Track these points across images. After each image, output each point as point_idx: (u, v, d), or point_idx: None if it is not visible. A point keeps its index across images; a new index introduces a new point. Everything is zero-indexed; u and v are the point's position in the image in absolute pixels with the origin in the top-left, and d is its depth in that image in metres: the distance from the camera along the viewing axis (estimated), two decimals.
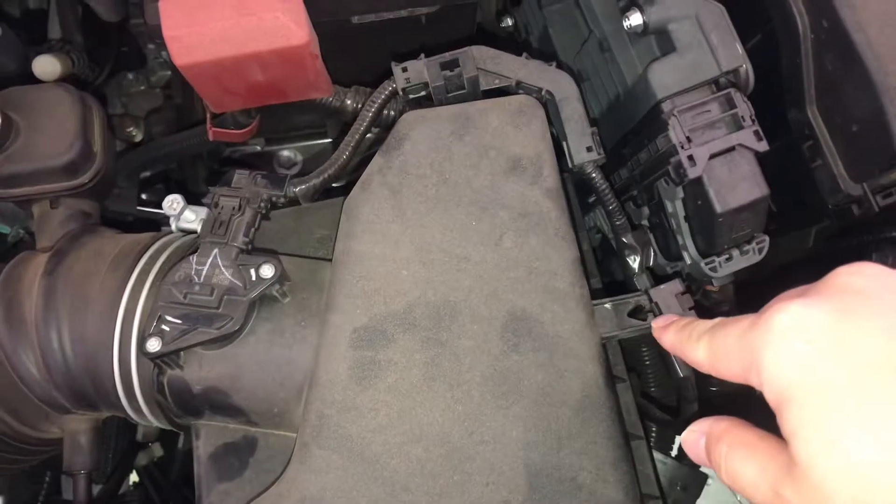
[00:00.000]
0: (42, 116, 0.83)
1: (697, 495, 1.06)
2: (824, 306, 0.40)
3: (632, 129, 0.83)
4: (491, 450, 0.66)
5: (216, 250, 0.71)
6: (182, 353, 0.69)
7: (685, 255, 0.81)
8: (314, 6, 0.76)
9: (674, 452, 1.11)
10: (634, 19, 0.75)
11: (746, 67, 0.74)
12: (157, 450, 1.25)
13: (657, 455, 1.04)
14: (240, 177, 0.76)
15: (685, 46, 0.74)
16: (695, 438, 0.46)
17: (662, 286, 0.73)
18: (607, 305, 0.73)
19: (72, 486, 0.85)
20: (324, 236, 0.79)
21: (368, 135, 0.84)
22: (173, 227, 0.82)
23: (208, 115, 0.89)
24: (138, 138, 1.21)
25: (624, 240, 0.87)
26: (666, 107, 0.74)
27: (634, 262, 0.87)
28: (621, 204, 0.84)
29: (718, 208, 0.72)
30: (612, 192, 0.82)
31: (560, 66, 0.80)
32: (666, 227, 0.84)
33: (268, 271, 0.69)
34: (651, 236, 0.90)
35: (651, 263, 0.90)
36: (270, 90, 0.82)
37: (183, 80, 0.78)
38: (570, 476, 0.66)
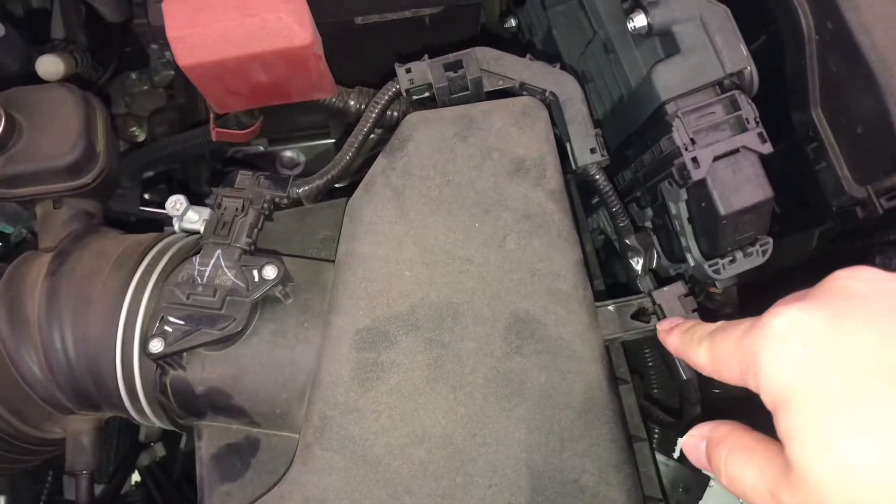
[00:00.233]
0: (45, 116, 0.83)
1: (700, 497, 1.06)
2: (820, 311, 0.40)
3: (636, 131, 0.83)
4: (493, 452, 0.66)
5: (219, 251, 0.71)
6: (185, 353, 0.69)
7: (689, 256, 0.81)
8: (318, 7, 0.76)
9: (676, 454, 1.11)
10: (638, 21, 0.74)
11: (751, 69, 0.74)
12: (160, 450, 1.25)
13: (659, 456, 1.04)
14: (243, 178, 0.76)
15: (689, 48, 0.73)
16: (695, 443, 0.46)
17: (666, 288, 0.72)
18: (610, 307, 0.73)
19: (74, 485, 0.85)
20: (327, 237, 0.79)
21: (372, 135, 0.84)
22: (176, 227, 0.82)
23: (211, 116, 0.89)
24: (141, 138, 1.21)
25: (627, 241, 0.87)
26: (670, 108, 0.74)
27: (637, 264, 0.87)
28: (625, 205, 0.84)
29: (722, 210, 0.72)
30: (616, 194, 0.81)
31: (564, 67, 0.80)
32: (669, 228, 0.84)
33: (271, 272, 0.69)
34: (654, 238, 0.90)
35: (654, 265, 0.90)
36: (274, 91, 0.82)
37: (186, 79, 0.78)
38: (572, 478, 0.66)
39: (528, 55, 0.80)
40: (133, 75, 1.23)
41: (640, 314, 0.73)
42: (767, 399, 0.40)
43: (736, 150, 0.72)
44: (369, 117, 0.81)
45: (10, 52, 1.04)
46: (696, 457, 0.46)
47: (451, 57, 0.78)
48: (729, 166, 0.72)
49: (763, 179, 0.72)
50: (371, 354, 0.69)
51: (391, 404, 0.67)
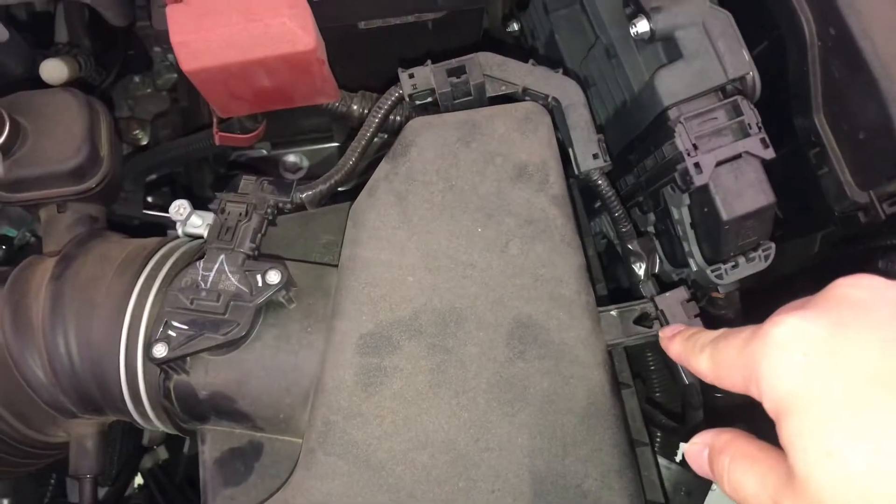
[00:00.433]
0: (49, 121, 0.84)
1: (702, 501, 1.06)
2: (822, 319, 0.40)
3: (638, 136, 0.83)
4: (496, 457, 0.66)
5: (223, 256, 0.71)
6: (188, 358, 0.70)
7: (691, 262, 0.81)
8: (321, 12, 0.76)
9: (678, 458, 1.11)
10: (641, 26, 0.74)
11: (753, 75, 0.74)
12: (163, 452, 1.26)
13: (661, 460, 1.04)
14: (246, 182, 0.77)
15: (692, 53, 0.73)
16: (698, 450, 0.46)
17: (668, 293, 0.73)
18: (613, 312, 0.73)
19: (77, 489, 0.86)
20: (330, 242, 0.79)
21: (375, 139, 0.84)
22: (179, 232, 0.82)
23: (214, 120, 0.89)
24: (144, 141, 1.21)
25: (630, 246, 0.87)
26: (672, 114, 0.74)
27: (640, 269, 0.87)
28: (627, 210, 0.84)
29: (724, 216, 0.72)
30: (618, 199, 0.82)
31: (566, 72, 0.80)
32: (672, 233, 0.84)
33: (274, 277, 0.69)
34: (657, 243, 0.90)
35: (657, 270, 0.90)
36: (277, 95, 0.82)
37: (189, 83, 0.79)
38: (575, 483, 0.66)
39: (531, 60, 0.80)
40: (136, 79, 1.23)
41: (642, 319, 0.73)
42: (769, 407, 0.40)
43: (738, 156, 0.72)
44: (372, 122, 0.82)
45: (14, 55, 1.04)
46: (699, 464, 0.46)
47: (454, 62, 0.78)
48: (731, 171, 0.72)
49: (765, 185, 0.72)
50: (374, 359, 0.69)
51: (394, 409, 0.67)
